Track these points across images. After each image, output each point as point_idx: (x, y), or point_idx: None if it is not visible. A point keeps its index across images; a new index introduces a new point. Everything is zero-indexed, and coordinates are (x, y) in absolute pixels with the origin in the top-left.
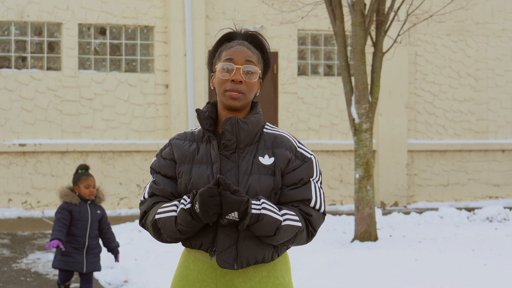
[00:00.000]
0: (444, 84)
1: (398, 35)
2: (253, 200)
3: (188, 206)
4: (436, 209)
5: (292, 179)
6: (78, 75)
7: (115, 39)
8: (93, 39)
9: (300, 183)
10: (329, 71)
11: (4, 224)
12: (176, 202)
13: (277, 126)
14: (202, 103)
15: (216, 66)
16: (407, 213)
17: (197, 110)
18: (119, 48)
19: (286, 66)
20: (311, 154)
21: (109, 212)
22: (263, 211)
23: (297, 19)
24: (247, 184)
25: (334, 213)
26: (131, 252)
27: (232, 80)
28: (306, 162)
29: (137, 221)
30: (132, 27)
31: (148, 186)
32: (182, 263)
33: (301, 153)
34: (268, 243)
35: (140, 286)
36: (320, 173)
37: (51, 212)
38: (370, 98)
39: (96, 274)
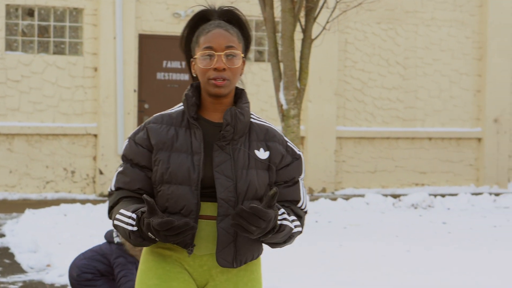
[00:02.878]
0: (373, 72)
1: (327, 22)
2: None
3: (135, 229)
4: (363, 196)
5: (284, 177)
6: (4, 57)
7: (43, 20)
8: (21, 21)
9: (291, 182)
10: (259, 57)
11: None
12: (130, 214)
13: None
14: (131, 87)
15: (196, 54)
16: (334, 199)
17: (186, 95)
18: (47, 30)
19: None
20: (300, 151)
21: (35, 196)
22: (284, 222)
23: (227, 4)
24: (247, 180)
25: None
26: (55, 236)
27: (215, 68)
28: (296, 159)
29: (63, 205)
30: (61, 9)
31: (115, 176)
32: (154, 251)
33: (292, 149)
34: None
35: (63, 270)
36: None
37: None
38: (298, 84)
39: (18, 258)
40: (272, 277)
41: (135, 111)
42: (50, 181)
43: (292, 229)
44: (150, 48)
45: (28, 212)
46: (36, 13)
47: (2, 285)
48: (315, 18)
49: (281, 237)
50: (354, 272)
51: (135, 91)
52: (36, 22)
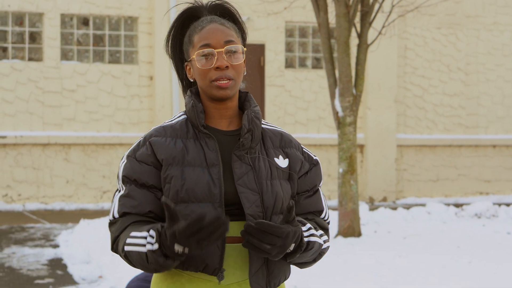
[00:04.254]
0: (434, 78)
1: (383, 26)
2: (301, 227)
3: (156, 247)
4: (424, 205)
5: (305, 186)
6: (60, 66)
7: (98, 30)
8: (76, 30)
9: (312, 191)
10: (317, 64)
11: None
12: (145, 234)
13: (264, 119)
14: (181, 96)
15: (191, 56)
16: (395, 208)
17: (193, 102)
18: (102, 39)
19: (273, 59)
20: (315, 156)
21: (91, 206)
22: (312, 239)
23: (284, 11)
24: (274, 192)
25: None
26: (108, 248)
27: (217, 68)
28: (314, 165)
29: None
30: (116, 18)
31: (117, 201)
32: (170, 282)
33: (308, 155)
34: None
35: (114, 282)
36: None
37: (32, 205)
38: (354, 91)
39: (70, 269)
40: None
41: None
42: (106, 191)
43: (321, 245)
44: None
45: (83, 222)
46: (91, 22)
47: None
48: (370, 23)
49: (310, 255)
50: (411, 284)
51: None
52: (91, 31)
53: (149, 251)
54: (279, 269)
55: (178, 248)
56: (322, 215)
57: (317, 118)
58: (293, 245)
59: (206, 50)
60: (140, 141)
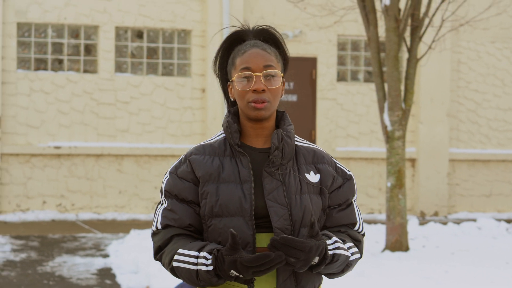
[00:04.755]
0: (487, 92)
1: (433, 41)
2: (326, 240)
3: (210, 268)
4: (475, 220)
5: (337, 199)
6: (114, 78)
7: (152, 42)
8: (130, 42)
9: (344, 204)
10: (369, 78)
11: (37, 226)
12: (195, 253)
13: (315, 132)
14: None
15: (233, 77)
16: (445, 223)
17: (228, 121)
18: (156, 52)
19: (325, 72)
20: (349, 171)
21: (143, 217)
22: (337, 252)
23: (336, 24)
24: (302, 206)
25: (370, 222)
26: None
27: (254, 90)
28: (348, 180)
29: None
30: (169, 31)
31: (160, 213)
32: None
33: (342, 170)
34: None
35: None
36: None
37: (85, 215)
38: (403, 105)
39: (119, 279)
40: None
41: None
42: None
43: (348, 257)
44: None
45: (133, 232)
46: (145, 35)
47: None
48: (420, 37)
49: (337, 267)
50: None
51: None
52: (145, 44)
53: (202, 271)
54: (308, 279)
55: (233, 273)
56: (356, 227)
57: (368, 132)
58: (317, 257)
59: (246, 73)
60: (181, 158)
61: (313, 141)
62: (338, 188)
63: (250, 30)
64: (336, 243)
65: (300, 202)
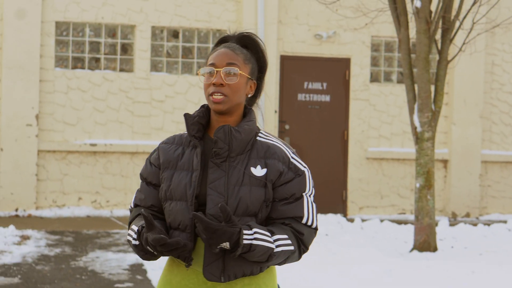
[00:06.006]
0: None
1: (464, 43)
2: (244, 230)
3: (136, 243)
4: (506, 222)
5: (284, 194)
6: (150, 77)
7: (187, 42)
8: (166, 42)
9: (291, 198)
10: (402, 79)
11: (72, 222)
12: (135, 227)
13: (348, 133)
14: (272, 108)
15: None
16: (475, 224)
17: (185, 115)
18: (191, 51)
19: (359, 73)
20: (305, 167)
21: None
22: (254, 242)
23: (369, 25)
24: (238, 196)
25: (400, 222)
26: None
27: (213, 84)
28: (299, 175)
29: None
30: (204, 31)
31: (135, 194)
32: (166, 267)
33: (295, 165)
34: None
35: None
36: (313, 186)
37: (119, 211)
38: (433, 107)
39: (150, 274)
40: None
41: (275, 132)
42: None
43: (271, 248)
44: (292, 69)
45: None
46: (180, 35)
47: None
48: (451, 40)
49: (258, 256)
50: None
51: (276, 112)
52: (180, 44)
53: (132, 245)
54: (237, 265)
55: (148, 249)
56: (304, 221)
57: (401, 132)
58: (227, 243)
59: (209, 68)
60: (157, 147)
61: (345, 142)
62: (286, 182)
63: (233, 35)
64: (255, 234)
65: (237, 192)
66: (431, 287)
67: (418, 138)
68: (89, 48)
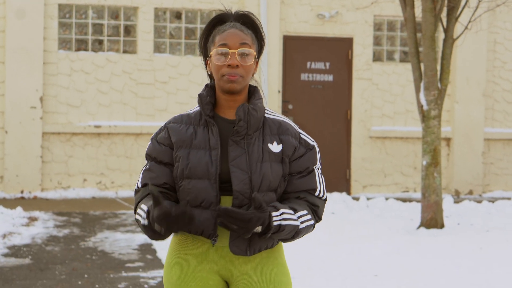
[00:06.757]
0: None
1: (469, 21)
2: (272, 212)
3: (146, 222)
4: (510, 199)
5: (298, 167)
6: (153, 59)
7: (190, 23)
8: (169, 23)
9: (305, 172)
10: (404, 58)
11: (78, 203)
12: (145, 207)
13: (351, 112)
14: (275, 88)
15: (211, 52)
16: (479, 201)
17: (200, 95)
18: (194, 32)
19: (361, 52)
20: (313, 141)
21: None
22: (283, 222)
23: (372, 5)
24: (261, 172)
25: (405, 200)
26: None
27: (229, 65)
28: (310, 149)
29: None
30: (207, 12)
31: (141, 174)
32: (178, 242)
33: (305, 140)
34: None
35: None
36: (320, 161)
37: (124, 192)
38: (439, 85)
39: (160, 254)
40: (408, 282)
41: (279, 111)
42: None
43: (297, 226)
44: (294, 49)
45: None
46: (183, 16)
47: (142, 280)
48: (457, 18)
49: (285, 234)
50: (492, 275)
51: (279, 92)
52: (183, 25)
53: (142, 224)
54: (259, 239)
55: (157, 227)
56: (316, 193)
57: (404, 111)
58: (260, 227)
59: (223, 49)
60: (162, 126)
61: (349, 121)
62: (299, 157)
63: (231, 13)
64: (282, 215)
65: (260, 169)
66: (440, 263)
67: (425, 116)
68: (92, 30)
